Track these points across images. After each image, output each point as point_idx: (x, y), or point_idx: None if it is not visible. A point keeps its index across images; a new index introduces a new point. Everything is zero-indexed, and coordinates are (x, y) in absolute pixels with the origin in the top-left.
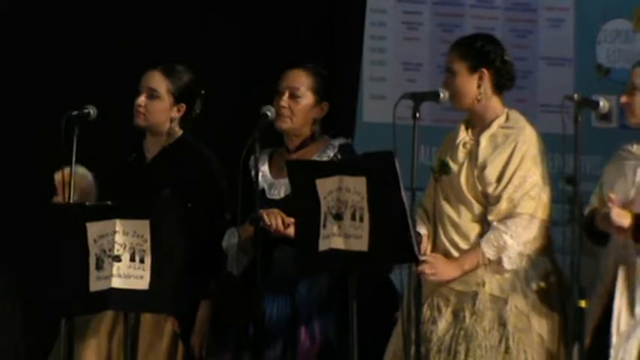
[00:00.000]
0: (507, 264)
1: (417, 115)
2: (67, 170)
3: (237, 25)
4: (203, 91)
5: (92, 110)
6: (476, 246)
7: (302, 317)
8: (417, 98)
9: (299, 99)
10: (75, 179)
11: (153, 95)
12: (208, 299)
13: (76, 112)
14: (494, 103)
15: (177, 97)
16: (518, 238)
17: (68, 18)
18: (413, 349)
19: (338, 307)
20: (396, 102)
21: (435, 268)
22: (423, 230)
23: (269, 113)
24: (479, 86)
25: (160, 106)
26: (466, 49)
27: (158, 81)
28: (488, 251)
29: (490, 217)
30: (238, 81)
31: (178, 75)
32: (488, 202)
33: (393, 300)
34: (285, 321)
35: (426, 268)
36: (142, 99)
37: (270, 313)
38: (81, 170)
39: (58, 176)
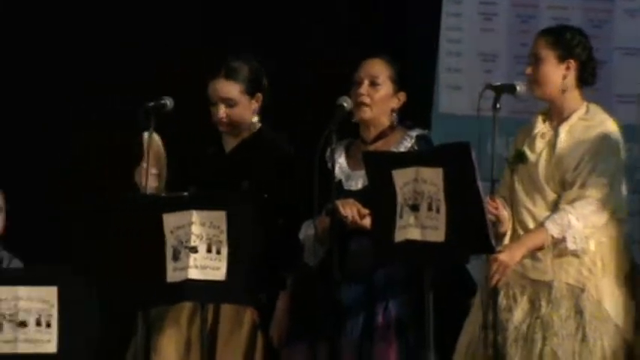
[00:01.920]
0: (571, 244)
1: (498, 106)
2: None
3: (313, 16)
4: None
5: (169, 101)
6: (541, 225)
7: (379, 303)
8: (497, 90)
9: (378, 87)
10: (153, 147)
11: (230, 104)
12: (286, 290)
13: (152, 104)
14: (575, 95)
15: (251, 91)
16: (584, 220)
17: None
18: (490, 337)
19: (414, 291)
20: (480, 93)
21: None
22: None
23: (345, 104)
24: (564, 77)
25: (240, 110)
26: (556, 37)
27: (228, 88)
28: (552, 229)
29: (561, 201)
30: (314, 72)
31: (241, 72)
32: (563, 189)
33: (467, 286)
34: (361, 309)
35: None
36: (222, 112)
37: (347, 302)
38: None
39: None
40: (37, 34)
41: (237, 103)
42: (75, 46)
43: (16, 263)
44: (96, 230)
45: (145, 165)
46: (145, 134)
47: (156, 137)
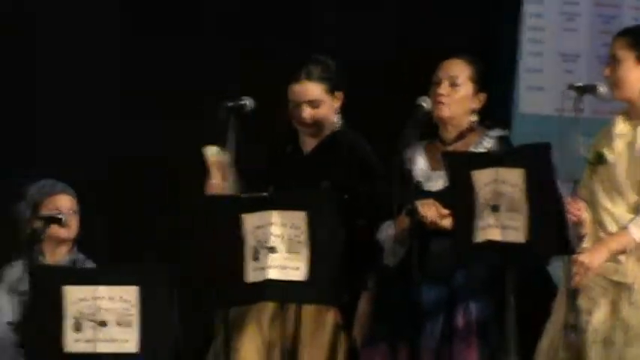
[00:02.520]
0: None
1: (581, 107)
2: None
3: (392, 16)
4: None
5: (248, 101)
6: (624, 228)
7: (459, 304)
8: (580, 90)
9: (458, 87)
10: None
11: (315, 105)
12: (368, 291)
13: (232, 103)
14: None
15: (333, 91)
16: None
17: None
18: (570, 339)
19: (495, 292)
20: (563, 93)
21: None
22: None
23: (424, 104)
24: None
25: (324, 110)
26: (635, 38)
27: (312, 89)
28: (636, 232)
29: None
30: (394, 72)
31: (323, 72)
32: None
33: (548, 288)
34: (442, 309)
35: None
36: (307, 113)
37: (427, 304)
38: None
39: (209, 152)
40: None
41: (321, 103)
42: (154, 46)
43: (90, 265)
44: (177, 230)
45: (213, 181)
46: (207, 149)
47: (215, 151)
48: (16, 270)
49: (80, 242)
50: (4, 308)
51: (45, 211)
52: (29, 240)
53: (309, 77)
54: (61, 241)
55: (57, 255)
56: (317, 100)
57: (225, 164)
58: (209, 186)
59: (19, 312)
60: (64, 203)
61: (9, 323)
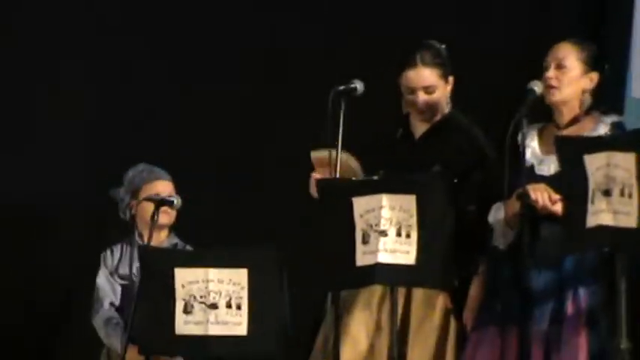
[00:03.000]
0: None
1: None
2: (329, 151)
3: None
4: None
5: (359, 85)
6: None
7: (568, 290)
8: None
9: (566, 70)
10: (339, 161)
11: (430, 91)
12: (479, 275)
13: (342, 87)
14: None
15: (445, 75)
16: None
17: None
18: None
19: (605, 278)
20: None
21: None
22: None
23: (536, 88)
24: None
25: (438, 96)
26: None
27: (427, 75)
28: None
29: None
30: (505, 57)
31: (436, 57)
32: None
33: None
34: (551, 295)
35: None
36: (421, 99)
37: (536, 289)
38: (344, 156)
39: (316, 155)
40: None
41: (435, 88)
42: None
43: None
44: (287, 214)
45: (317, 176)
46: (313, 151)
47: (320, 150)
48: (117, 254)
49: (177, 228)
50: (106, 291)
51: (143, 197)
52: (131, 224)
53: (424, 63)
54: (160, 226)
55: (156, 240)
56: (432, 86)
57: (329, 161)
58: (313, 180)
59: (121, 295)
60: (163, 189)
61: (111, 304)
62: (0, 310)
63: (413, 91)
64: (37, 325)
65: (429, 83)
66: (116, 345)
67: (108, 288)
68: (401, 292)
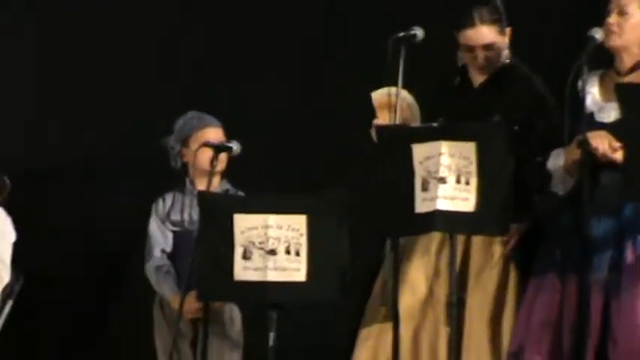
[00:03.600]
0: None
1: None
2: (389, 92)
3: None
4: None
5: (419, 32)
6: None
7: (628, 238)
8: None
9: (627, 16)
10: (400, 103)
11: (490, 48)
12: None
13: (402, 34)
14: None
15: (503, 29)
16: None
17: None
18: None
19: None
20: None
21: None
22: None
23: (597, 36)
24: None
25: (498, 51)
26: None
27: (486, 33)
28: None
29: None
30: (565, 3)
31: (493, 14)
32: None
33: None
34: (610, 243)
35: None
36: (481, 57)
37: (596, 236)
38: (404, 94)
39: (377, 96)
40: None
41: (495, 45)
42: None
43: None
44: (346, 161)
45: (380, 121)
46: (374, 93)
47: (404, 95)
48: (168, 202)
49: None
50: (157, 239)
51: (194, 145)
52: (182, 172)
53: (482, 21)
54: (214, 173)
55: (209, 187)
56: (491, 44)
57: (392, 104)
58: (375, 125)
59: (173, 242)
60: (214, 135)
61: (163, 252)
62: (59, 261)
63: (472, 49)
64: (94, 275)
65: (488, 41)
66: (167, 293)
67: (159, 235)
68: (460, 238)
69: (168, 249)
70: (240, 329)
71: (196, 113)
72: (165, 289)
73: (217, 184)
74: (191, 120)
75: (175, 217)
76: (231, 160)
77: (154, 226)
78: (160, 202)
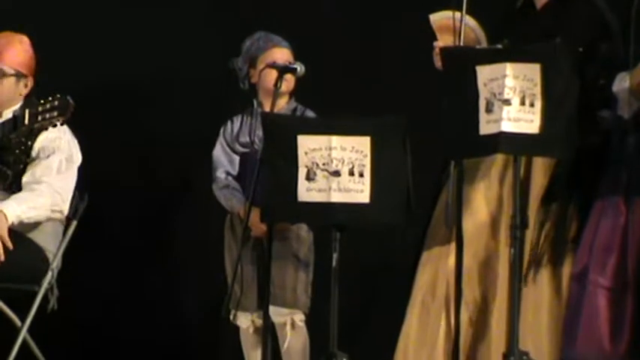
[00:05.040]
0: None
1: None
2: (451, 15)
3: None
4: None
5: None
6: None
7: None
8: None
9: None
10: (463, 27)
11: None
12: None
13: None
14: None
15: None
16: None
17: None
18: None
19: None
20: None
21: None
22: None
23: None
24: None
25: None
26: None
27: None
28: None
29: None
30: None
31: None
32: None
33: None
34: None
35: None
36: None
37: None
38: (471, 22)
39: (437, 19)
40: None
41: None
42: None
43: (309, 114)
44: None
45: (440, 44)
46: (432, 15)
47: (441, 15)
48: (237, 124)
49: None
50: (221, 161)
51: (261, 66)
52: (251, 93)
53: None
54: (280, 94)
55: (276, 107)
56: None
57: (454, 27)
58: (438, 47)
59: (241, 162)
60: (281, 56)
61: (227, 173)
62: (120, 184)
63: None
64: (158, 197)
65: None
66: (237, 205)
67: (223, 158)
68: (522, 160)
69: (234, 172)
70: (309, 249)
71: (263, 33)
72: (234, 202)
73: (284, 104)
74: (257, 41)
75: (244, 138)
76: (299, 81)
77: (218, 149)
78: (229, 124)
